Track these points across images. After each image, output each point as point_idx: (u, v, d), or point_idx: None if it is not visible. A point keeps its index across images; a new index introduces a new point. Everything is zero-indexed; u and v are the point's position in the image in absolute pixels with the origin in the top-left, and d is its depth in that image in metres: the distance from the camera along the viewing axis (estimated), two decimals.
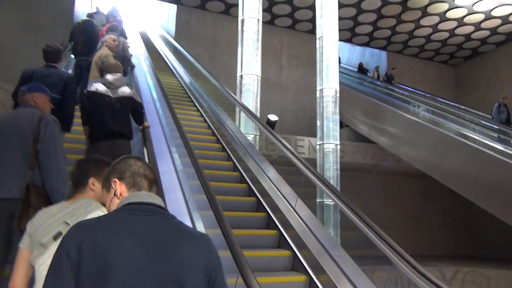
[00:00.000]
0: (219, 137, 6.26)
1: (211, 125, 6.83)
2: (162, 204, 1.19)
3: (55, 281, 0.97)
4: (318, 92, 11.67)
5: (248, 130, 7.41)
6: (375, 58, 16.75)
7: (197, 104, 8.02)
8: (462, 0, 12.18)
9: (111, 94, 3.54)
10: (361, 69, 15.30)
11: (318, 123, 11.39)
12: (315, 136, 11.92)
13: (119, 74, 3.65)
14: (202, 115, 7.46)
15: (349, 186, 10.56)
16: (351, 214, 3.06)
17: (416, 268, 2.38)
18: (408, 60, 16.71)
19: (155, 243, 1.05)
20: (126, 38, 7.15)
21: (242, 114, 8.15)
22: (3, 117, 2.48)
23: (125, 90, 3.65)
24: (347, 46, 16.36)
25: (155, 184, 1.25)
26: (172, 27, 13.43)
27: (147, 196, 1.18)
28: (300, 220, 3.74)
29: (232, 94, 6.96)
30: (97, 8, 8.15)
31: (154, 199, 1.18)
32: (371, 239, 2.76)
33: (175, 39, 12.61)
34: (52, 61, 3.64)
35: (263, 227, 4.10)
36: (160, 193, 1.29)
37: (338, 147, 11.12)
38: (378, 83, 13.80)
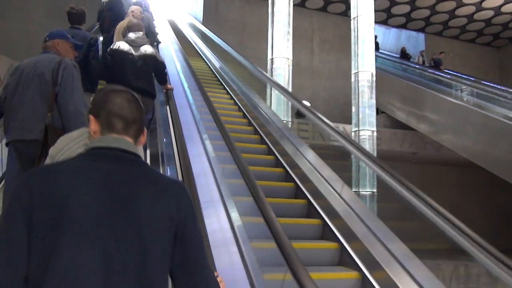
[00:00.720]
0: (251, 119, 5.85)
1: (242, 107, 6.44)
2: (132, 149, 1.06)
3: (4, 228, 0.92)
4: (353, 76, 11.06)
5: (280, 115, 6.98)
6: (412, 41, 15.86)
7: (227, 87, 7.64)
8: None
9: (133, 52, 3.54)
10: (404, 55, 14.48)
11: (353, 109, 10.82)
12: (349, 123, 11.38)
13: (141, 33, 3.66)
14: (232, 98, 7.09)
15: None
16: (415, 199, 2.58)
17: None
18: (448, 43, 15.70)
19: (116, 192, 0.97)
20: (153, 19, 6.85)
21: (274, 96, 7.73)
22: (25, 62, 2.48)
23: (147, 48, 3.64)
24: (381, 29, 15.52)
25: (133, 124, 1.08)
26: (199, 12, 13.08)
27: (114, 141, 1.05)
28: (347, 207, 3.28)
29: (264, 73, 6.56)
30: None
31: (122, 143, 1.05)
32: (443, 229, 2.28)
33: (203, 25, 12.27)
34: (77, 23, 3.61)
35: (304, 215, 3.67)
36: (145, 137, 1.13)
37: (375, 134, 10.53)
38: (417, 67, 12.98)
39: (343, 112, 12.69)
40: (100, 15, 6.02)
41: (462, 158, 9.73)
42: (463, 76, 12.12)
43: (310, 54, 13.73)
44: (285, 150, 4.48)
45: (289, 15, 10.20)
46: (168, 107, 4.24)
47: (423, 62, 13.58)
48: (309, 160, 4.07)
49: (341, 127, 11.59)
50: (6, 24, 10.01)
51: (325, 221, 3.39)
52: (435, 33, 15.38)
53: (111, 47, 3.62)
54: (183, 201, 1.05)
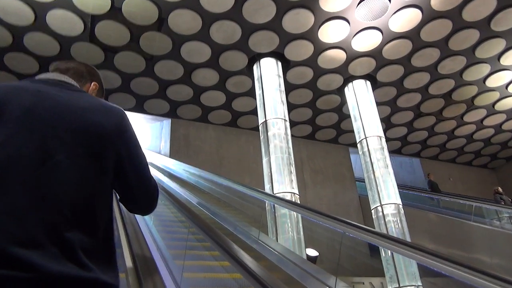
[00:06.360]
0: None
1: None
2: (72, 82, 1.21)
3: None
4: (373, 212, 8.55)
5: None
6: (406, 167, 14.22)
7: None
8: None
9: None
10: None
11: (383, 253, 8.03)
12: (369, 275, 8.57)
13: None
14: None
15: None
16: None
17: None
18: (445, 167, 14.18)
19: (51, 99, 1.06)
20: None
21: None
22: None
23: None
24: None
25: (67, 72, 1.26)
26: (166, 146, 10.70)
27: (56, 75, 1.20)
28: None
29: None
30: None
31: (61, 77, 1.21)
32: None
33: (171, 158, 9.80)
34: None
35: None
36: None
37: None
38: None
39: (355, 260, 9.80)
40: None
41: None
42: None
43: (303, 188, 11.33)
44: None
45: (287, 137, 8.00)
46: None
47: (503, 200, 11.03)
48: None
49: (367, 282, 8.55)
50: None
51: None
52: (430, 157, 13.89)
53: None
54: (124, 119, 1.14)
